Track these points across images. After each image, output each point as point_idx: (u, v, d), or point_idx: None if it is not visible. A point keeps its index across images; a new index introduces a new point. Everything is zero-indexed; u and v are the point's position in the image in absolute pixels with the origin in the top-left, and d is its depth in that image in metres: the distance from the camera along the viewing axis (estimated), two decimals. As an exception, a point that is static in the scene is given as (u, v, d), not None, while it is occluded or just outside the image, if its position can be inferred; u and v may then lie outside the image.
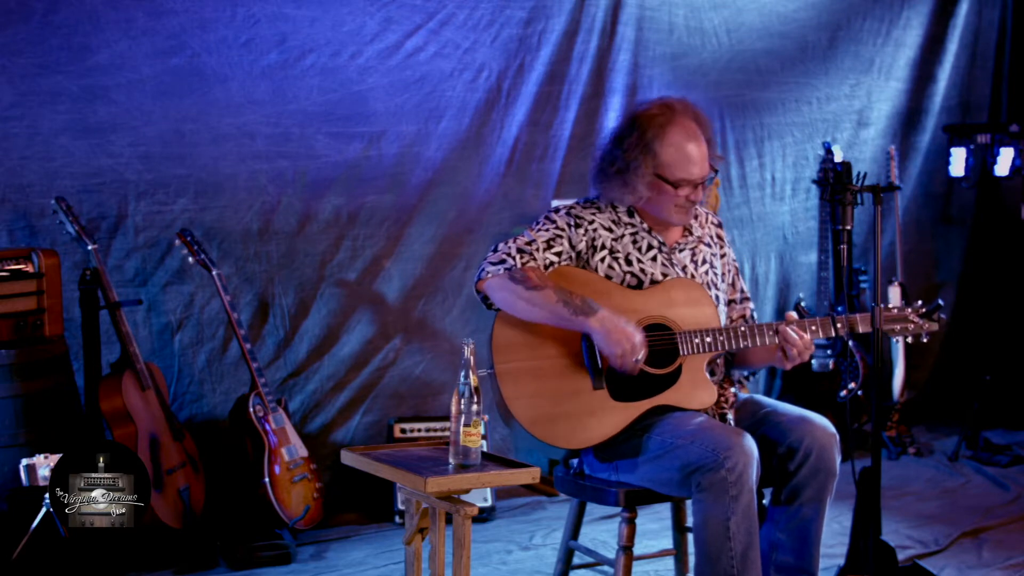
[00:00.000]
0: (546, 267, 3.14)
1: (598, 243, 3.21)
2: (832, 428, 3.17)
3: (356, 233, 4.81)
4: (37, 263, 3.90)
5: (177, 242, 4.31)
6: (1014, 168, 5.90)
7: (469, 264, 5.04)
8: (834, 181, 3.32)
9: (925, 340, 3.33)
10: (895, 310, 3.30)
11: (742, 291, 3.43)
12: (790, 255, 5.93)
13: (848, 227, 3.28)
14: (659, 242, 3.25)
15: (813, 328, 3.20)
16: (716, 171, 3.26)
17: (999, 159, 5.90)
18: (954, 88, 6.33)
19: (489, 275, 3.12)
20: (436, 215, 4.96)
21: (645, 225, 3.26)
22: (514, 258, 3.11)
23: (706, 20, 5.57)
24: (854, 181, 3.28)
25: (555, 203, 5.11)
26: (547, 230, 3.19)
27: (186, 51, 4.43)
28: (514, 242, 3.16)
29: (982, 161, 5.95)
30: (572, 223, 3.20)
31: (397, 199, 4.87)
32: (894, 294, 5.66)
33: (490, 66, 5.03)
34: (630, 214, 3.26)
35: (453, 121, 4.96)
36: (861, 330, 3.23)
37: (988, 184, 6.22)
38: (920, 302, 3.35)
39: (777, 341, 3.16)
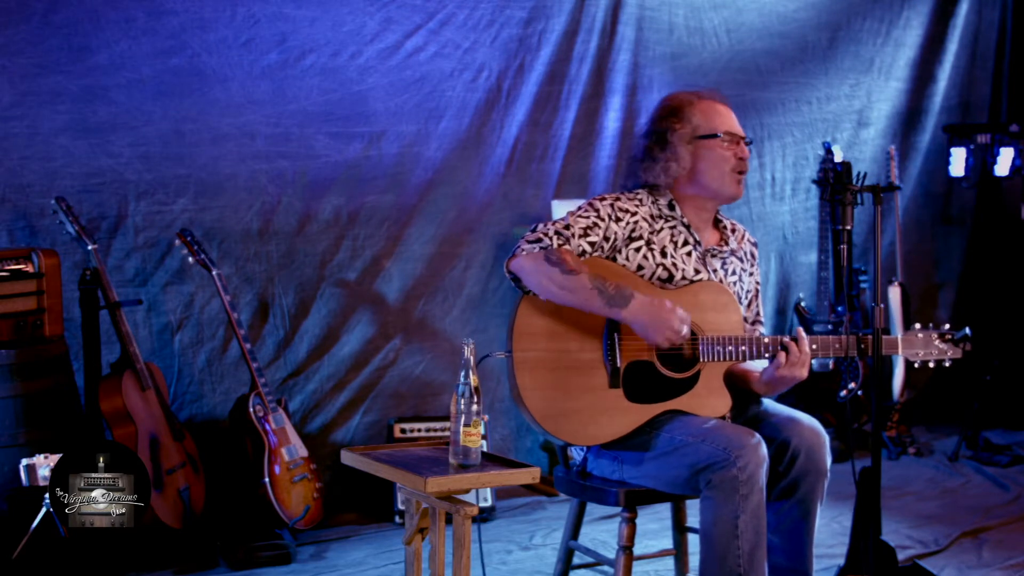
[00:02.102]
0: (579, 255, 3.10)
1: (636, 234, 3.18)
2: (821, 428, 3.16)
3: (356, 233, 4.81)
4: (37, 263, 3.90)
5: (177, 242, 4.31)
6: (1014, 168, 5.90)
7: (469, 264, 5.04)
8: (834, 181, 3.30)
9: (947, 365, 3.30)
10: (919, 335, 3.28)
11: (757, 313, 3.41)
12: (790, 255, 5.93)
13: (848, 227, 3.27)
14: (695, 240, 3.24)
15: (837, 346, 3.18)
16: (751, 141, 3.30)
17: (999, 159, 5.90)
18: (954, 88, 6.34)
19: (523, 252, 3.06)
20: (436, 215, 4.96)
21: (685, 220, 3.24)
22: (551, 239, 3.07)
23: (706, 20, 5.58)
24: (854, 181, 3.27)
25: (555, 203, 5.12)
26: (587, 217, 3.14)
27: (186, 51, 4.43)
28: (552, 224, 3.12)
29: (982, 161, 5.96)
30: (614, 216, 3.16)
31: (397, 199, 4.87)
32: (894, 294, 5.66)
33: (490, 66, 5.03)
34: (671, 207, 3.25)
35: (453, 121, 4.96)
36: (885, 351, 3.21)
37: (988, 184, 6.22)
38: (947, 326, 3.33)
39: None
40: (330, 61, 4.69)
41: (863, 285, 5.73)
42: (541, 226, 3.13)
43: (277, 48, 4.59)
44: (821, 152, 5.60)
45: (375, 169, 4.82)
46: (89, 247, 4.03)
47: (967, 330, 3.29)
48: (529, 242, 3.09)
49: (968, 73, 6.39)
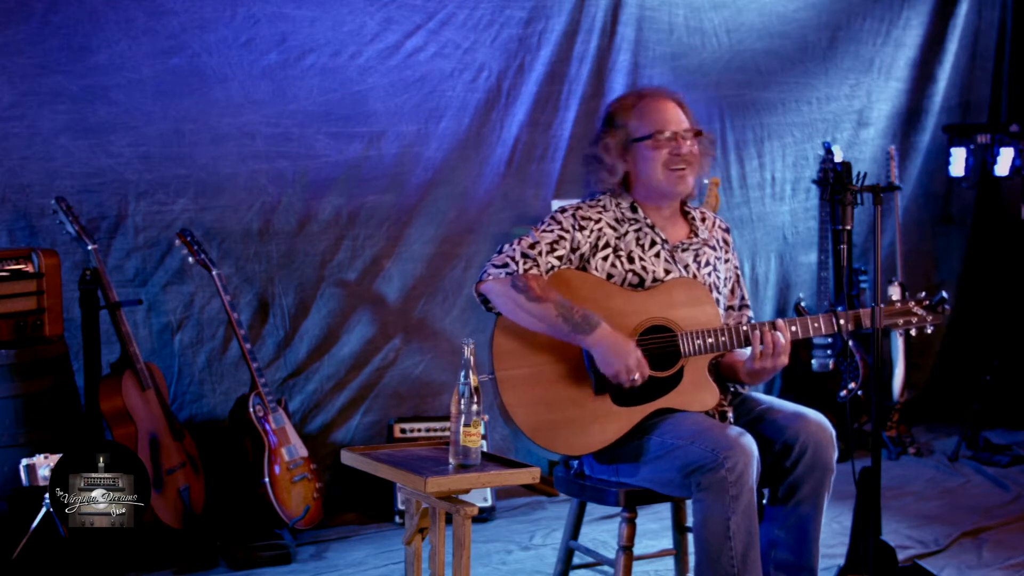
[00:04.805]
0: (547, 271, 3.12)
1: (601, 242, 3.19)
2: (828, 424, 3.15)
3: (356, 233, 4.81)
4: (37, 263, 3.90)
5: (177, 242, 4.31)
6: (1014, 168, 5.90)
7: (469, 264, 5.04)
8: (834, 181, 3.31)
9: (929, 331, 3.31)
10: (897, 304, 3.28)
11: (742, 298, 3.40)
12: (790, 255, 5.93)
13: (848, 227, 3.27)
14: (662, 239, 3.23)
15: (816, 325, 3.18)
16: (701, 132, 3.24)
17: (999, 159, 5.90)
18: (954, 88, 6.33)
19: (490, 277, 3.11)
20: (436, 215, 4.96)
21: (648, 221, 3.24)
22: (517, 263, 3.10)
23: (706, 20, 5.58)
24: (854, 181, 3.27)
25: (555, 203, 5.12)
26: (551, 231, 3.17)
27: (186, 51, 4.43)
28: (519, 244, 3.14)
29: (982, 161, 5.96)
30: (577, 225, 3.18)
31: (397, 199, 4.88)
32: (894, 294, 5.66)
33: (490, 66, 5.03)
34: (633, 209, 3.25)
35: (453, 121, 4.96)
36: (866, 324, 3.20)
37: (988, 184, 6.22)
38: (924, 293, 3.33)
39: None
40: (330, 61, 4.69)
41: (863, 285, 5.73)
42: (507, 247, 3.15)
43: (277, 48, 4.59)
44: (821, 152, 5.60)
45: (375, 169, 4.82)
46: (89, 247, 4.03)
47: (943, 294, 3.30)
48: (496, 266, 3.12)
49: (968, 73, 6.39)
